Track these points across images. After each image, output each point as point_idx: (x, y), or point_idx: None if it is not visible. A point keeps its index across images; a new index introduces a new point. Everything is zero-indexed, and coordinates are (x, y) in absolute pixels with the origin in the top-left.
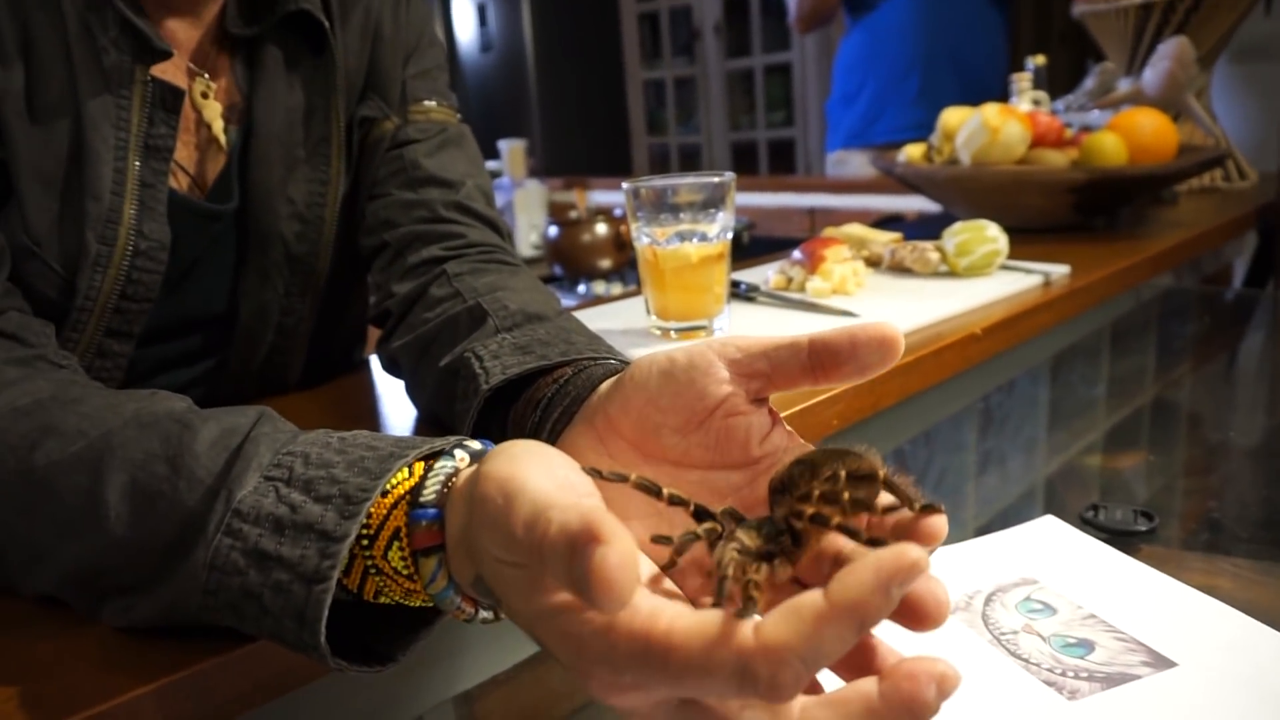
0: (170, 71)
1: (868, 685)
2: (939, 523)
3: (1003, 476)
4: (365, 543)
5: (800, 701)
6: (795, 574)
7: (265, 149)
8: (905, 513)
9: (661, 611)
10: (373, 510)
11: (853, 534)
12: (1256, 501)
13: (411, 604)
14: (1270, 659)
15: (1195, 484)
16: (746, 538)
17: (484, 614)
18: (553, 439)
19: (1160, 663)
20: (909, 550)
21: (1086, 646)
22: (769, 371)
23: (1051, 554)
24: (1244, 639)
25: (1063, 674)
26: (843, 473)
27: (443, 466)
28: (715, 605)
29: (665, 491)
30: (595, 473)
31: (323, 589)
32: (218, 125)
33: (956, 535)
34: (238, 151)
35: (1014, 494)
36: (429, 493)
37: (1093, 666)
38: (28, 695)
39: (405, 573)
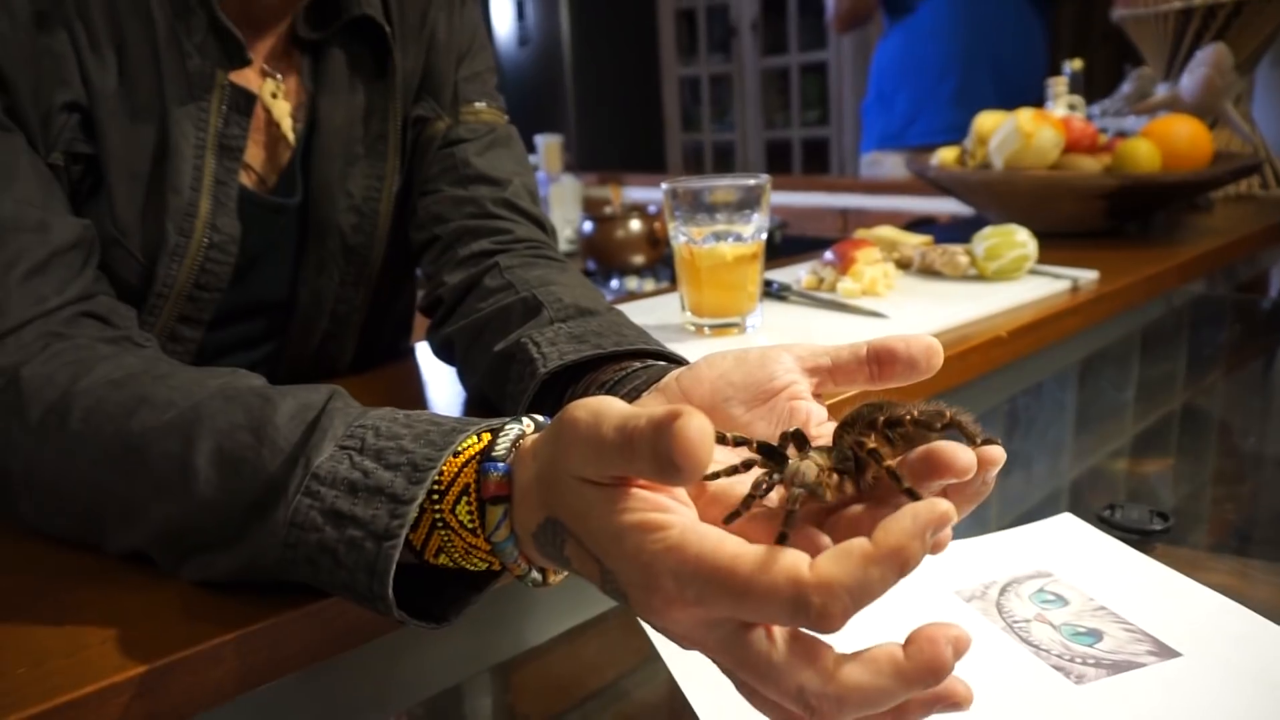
0: (245, 75)
1: (893, 646)
2: (997, 451)
3: (1027, 478)
4: (435, 498)
5: (835, 655)
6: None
7: (327, 145)
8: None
9: (728, 539)
10: (444, 469)
11: (895, 478)
12: (1272, 508)
13: (470, 564)
14: (1271, 652)
15: (1218, 490)
16: (818, 457)
17: (534, 574)
18: None
19: (1165, 652)
20: (940, 503)
21: (1095, 635)
22: (830, 368)
23: (1067, 549)
24: (1249, 633)
25: (1071, 660)
26: (914, 410)
27: (512, 428)
28: (787, 521)
29: (730, 435)
30: None
31: (392, 545)
32: (286, 123)
33: (977, 531)
34: (301, 148)
35: (1038, 496)
36: (500, 449)
37: (1100, 654)
38: (120, 640)
39: (470, 526)
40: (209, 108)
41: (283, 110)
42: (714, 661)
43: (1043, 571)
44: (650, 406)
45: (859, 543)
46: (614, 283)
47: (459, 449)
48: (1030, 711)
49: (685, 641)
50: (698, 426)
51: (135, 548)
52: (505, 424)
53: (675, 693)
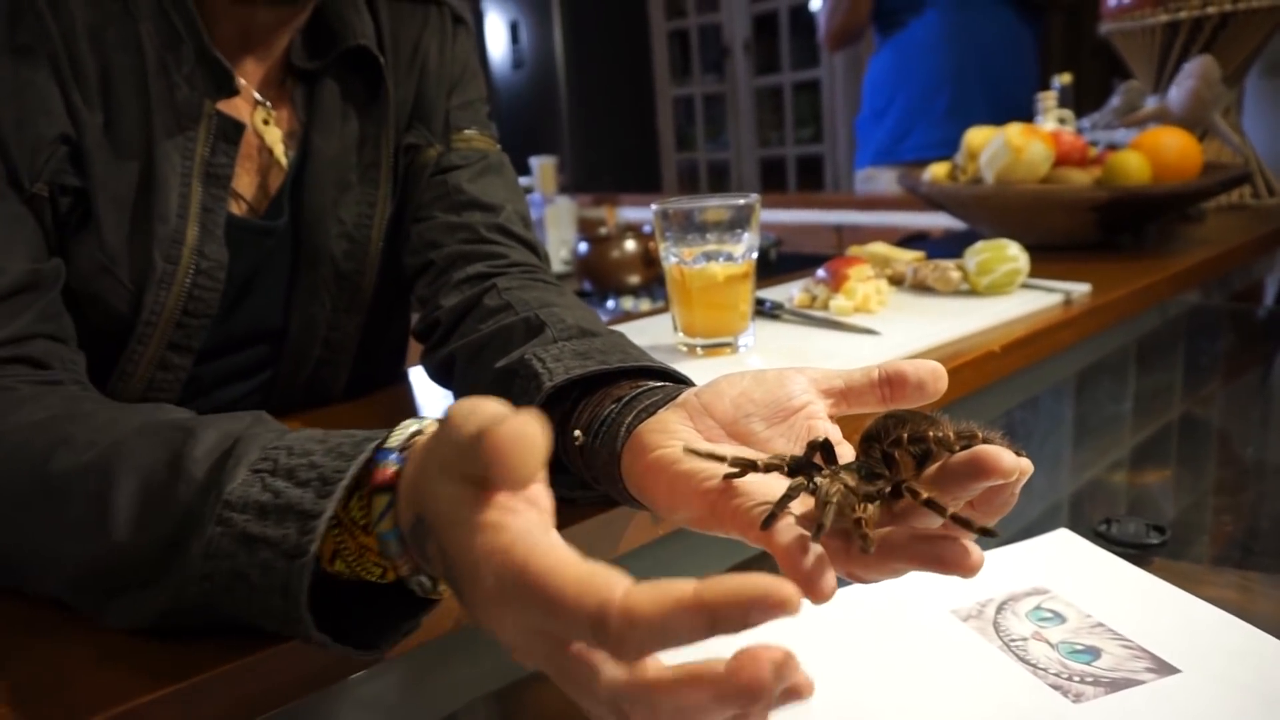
0: (234, 104)
1: (717, 663)
2: (1025, 463)
3: (1025, 493)
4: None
5: (657, 665)
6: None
7: (320, 173)
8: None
9: (558, 549)
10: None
11: (936, 509)
12: (1273, 518)
13: (365, 570)
14: (1272, 666)
15: (1216, 502)
16: (848, 478)
17: (422, 579)
18: (635, 424)
19: (1164, 669)
20: (784, 587)
21: (1093, 653)
22: (844, 390)
23: (1063, 565)
24: (1247, 647)
25: (1069, 679)
26: (948, 429)
27: (410, 424)
28: (817, 533)
29: (761, 461)
30: (695, 452)
31: (303, 562)
32: (279, 149)
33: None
34: (293, 174)
35: (1037, 510)
36: (392, 440)
37: (1098, 672)
38: (44, 698)
39: (361, 522)
40: (196, 137)
41: (274, 137)
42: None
43: (1039, 588)
44: (670, 419)
45: (686, 585)
46: (610, 303)
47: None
48: None
49: (517, 653)
50: (508, 432)
51: (57, 594)
52: (409, 421)
53: None
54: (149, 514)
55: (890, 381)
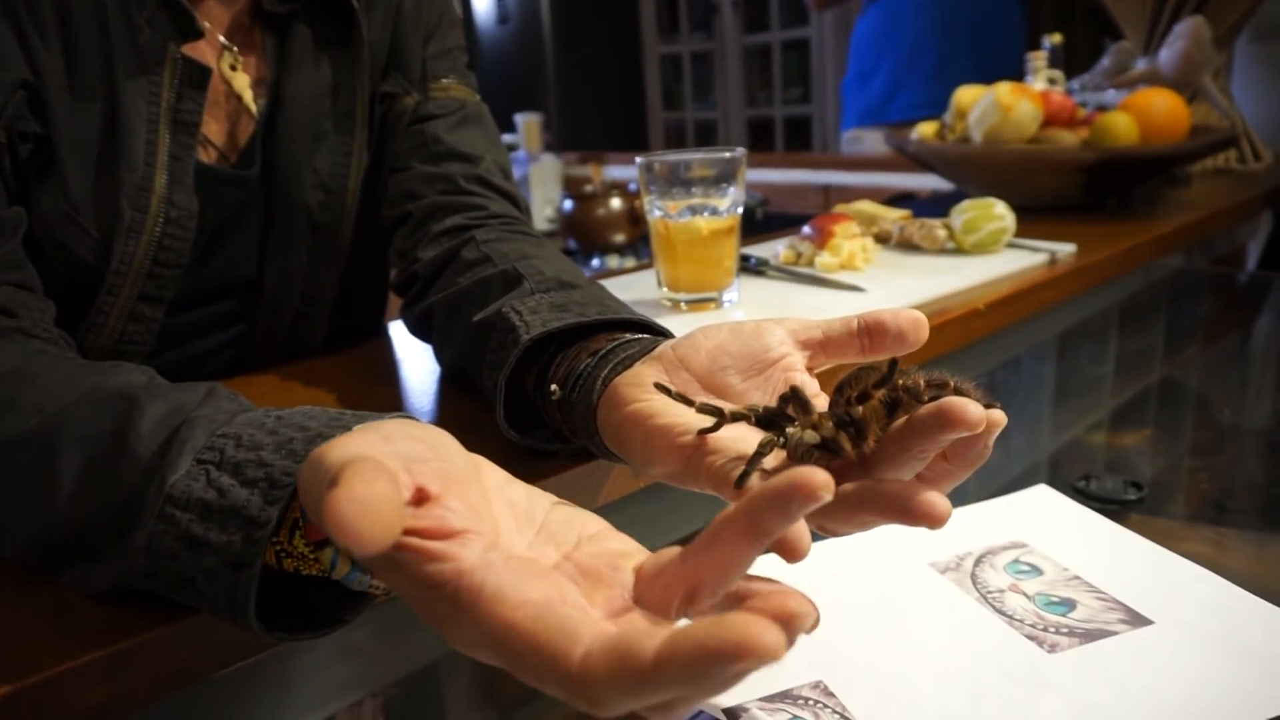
0: (200, 49)
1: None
2: (998, 415)
3: (1005, 451)
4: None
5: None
6: (862, 459)
7: (293, 121)
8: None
9: (503, 600)
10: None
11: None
12: (1247, 477)
13: (312, 570)
14: (1242, 618)
15: (1193, 461)
16: (818, 426)
17: (362, 576)
18: (611, 377)
19: (1137, 620)
20: (759, 637)
21: (1068, 605)
22: (822, 341)
23: (1042, 520)
24: (1220, 600)
25: (1044, 629)
26: (918, 379)
27: (354, 426)
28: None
29: (727, 410)
30: (664, 390)
31: (249, 575)
32: (248, 95)
33: (954, 504)
34: (265, 122)
35: (1016, 468)
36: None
37: (1073, 623)
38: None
39: (312, 556)
40: (161, 82)
41: (242, 83)
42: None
43: (1017, 542)
44: (646, 373)
45: (645, 647)
46: (595, 261)
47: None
48: (1003, 681)
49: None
50: (346, 498)
51: (13, 557)
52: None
53: None
54: (93, 489)
55: (870, 331)
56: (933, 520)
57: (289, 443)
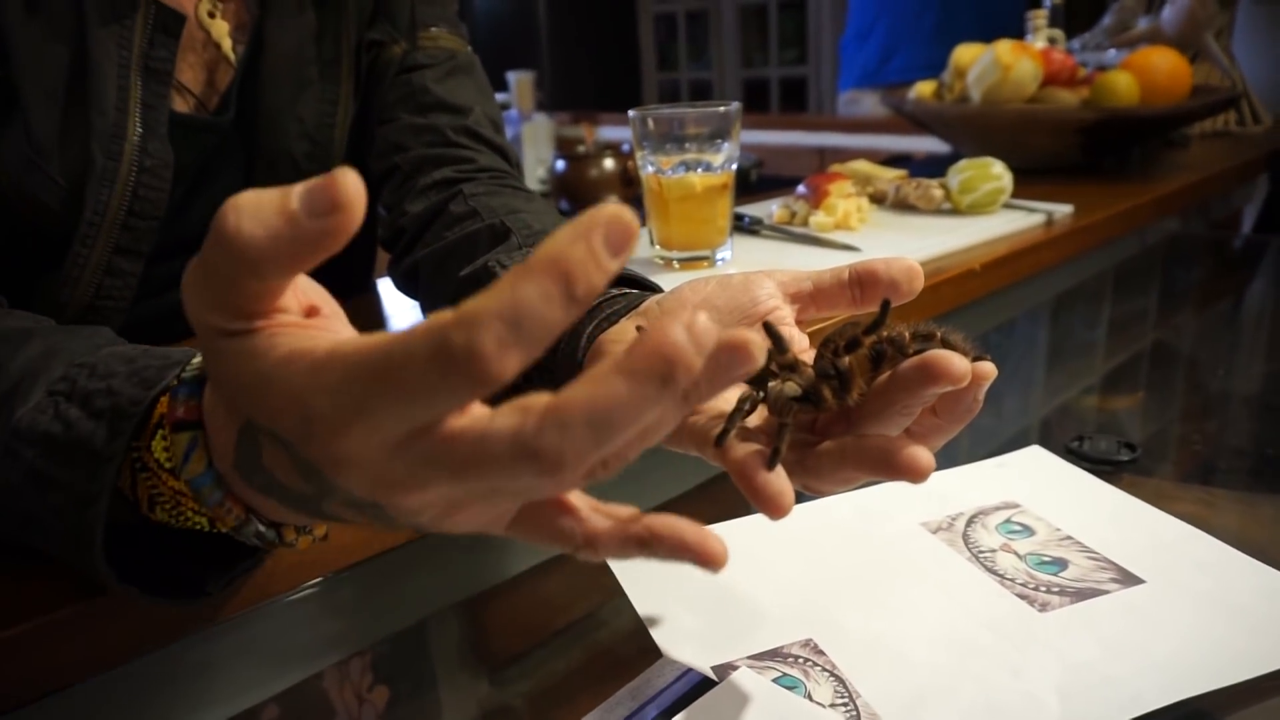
0: None
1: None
2: (988, 367)
3: (998, 413)
4: (136, 440)
5: (545, 395)
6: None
7: (274, 68)
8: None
9: (384, 337)
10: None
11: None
12: (1242, 438)
13: (189, 520)
14: (1234, 578)
15: (1187, 424)
16: (799, 378)
17: (259, 527)
18: (596, 334)
19: (1128, 580)
20: (611, 207)
21: (1060, 564)
22: (812, 293)
23: (1034, 480)
24: (1211, 560)
25: (1035, 589)
26: (904, 330)
27: None
28: (773, 460)
29: None
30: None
31: (94, 512)
32: (226, 44)
33: (947, 464)
34: (245, 69)
35: (1010, 430)
36: (191, 369)
37: (1064, 582)
38: None
39: (169, 465)
40: (133, 26)
41: (221, 30)
42: (434, 512)
43: (1010, 503)
44: (631, 329)
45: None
46: None
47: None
48: (994, 640)
49: (396, 497)
50: (342, 176)
51: None
52: None
53: (640, 630)
54: None
55: (861, 281)
56: (915, 474)
57: (143, 370)
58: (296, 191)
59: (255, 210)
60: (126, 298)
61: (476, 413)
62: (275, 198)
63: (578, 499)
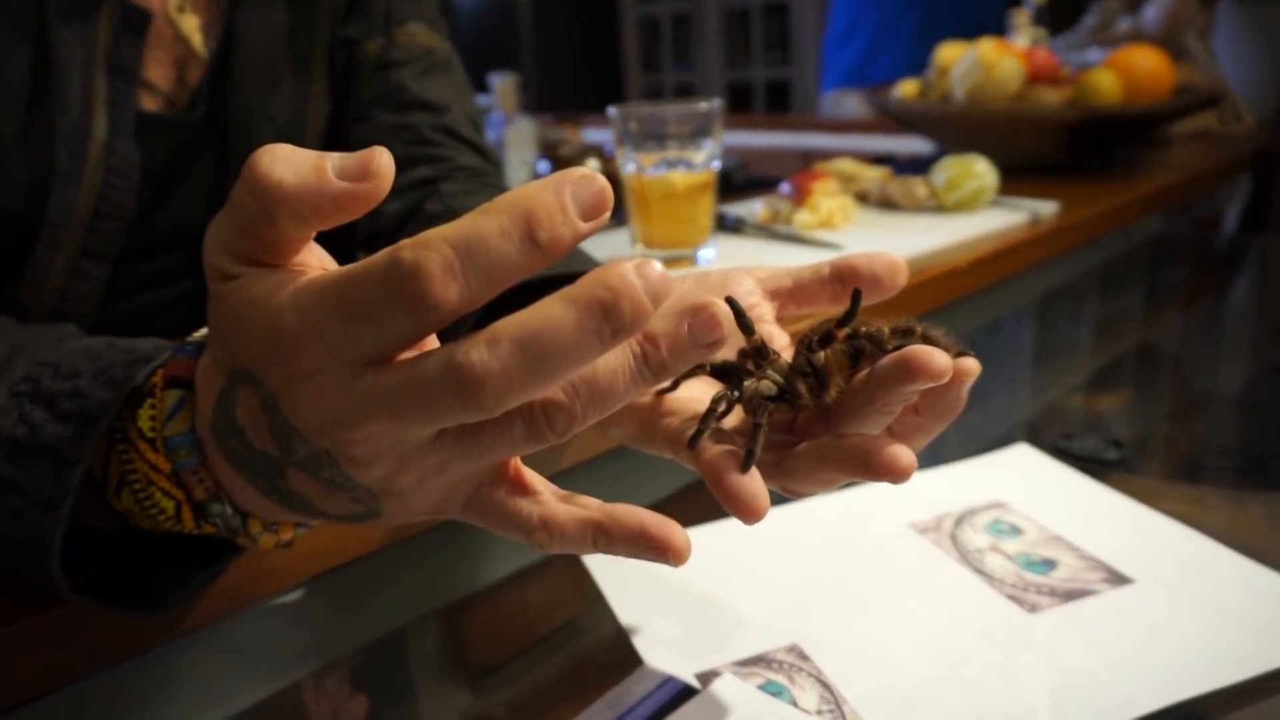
0: None
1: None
2: (971, 363)
3: (984, 413)
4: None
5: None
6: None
7: (245, 64)
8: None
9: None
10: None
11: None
12: (1229, 437)
13: (155, 505)
14: (1227, 578)
15: (1175, 424)
16: (775, 375)
17: (224, 508)
18: None
19: (1118, 580)
20: (583, 169)
21: (1049, 565)
22: (792, 289)
23: (1022, 479)
24: (1202, 559)
25: (1025, 589)
26: (883, 326)
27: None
28: (747, 462)
29: None
30: None
31: (55, 515)
32: (196, 39)
33: (933, 464)
34: (214, 64)
35: (997, 430)
36: (196, 336)
37: (1054, 583)
38: None
39: (149, 435)
40: (97, 24)
41: (191, 25)
42: (386, 466)
43: (998, 502)
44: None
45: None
46: None
47: (147, 379)
48: (983, 643)
49: (344, 435)
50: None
51: None
52: None
53: (622, 637)
54: None
55: (842, 277)
56: (895, 474)
57: (109, 368)
58: (332, 155)
59: (290, 157)
60: (93, 302)
61: (423, 348)
62: (311, 154)
63: (538, 481)
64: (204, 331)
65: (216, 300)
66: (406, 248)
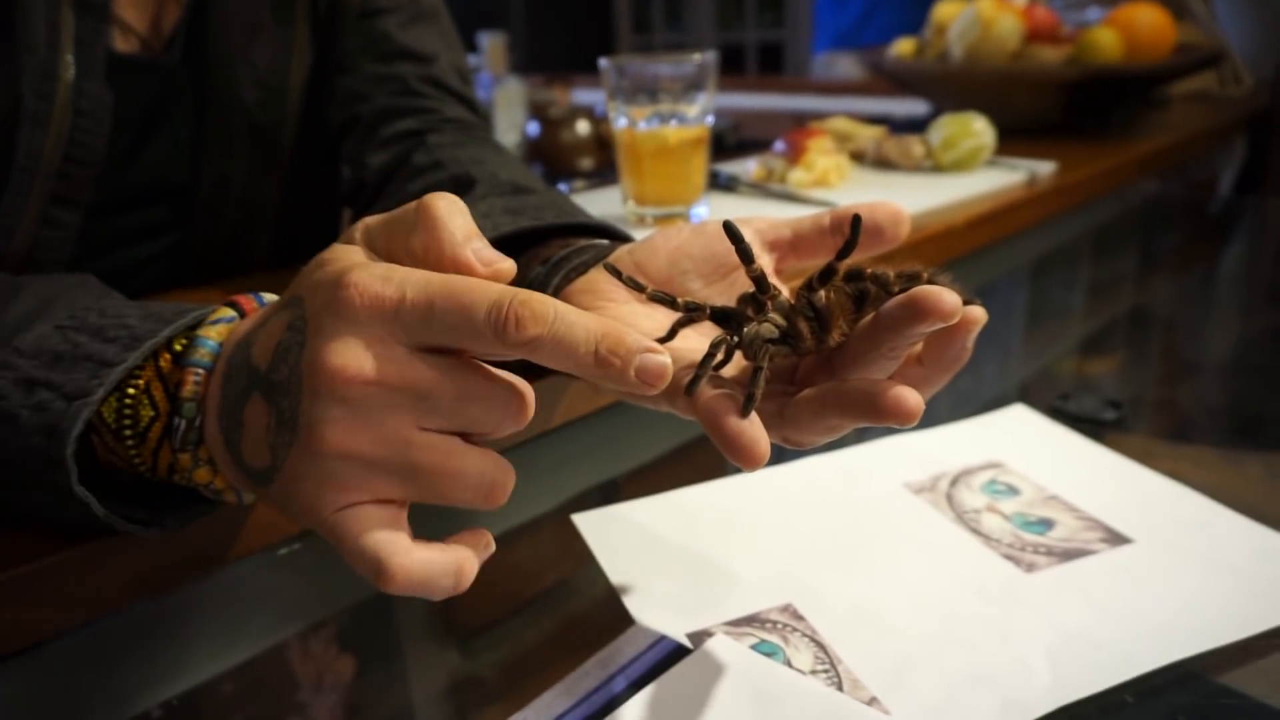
0: None
1: None
2: (978, 311)
3: (980, 374)
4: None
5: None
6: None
7: (226, 9)
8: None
9: None
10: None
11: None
12: (1226, 397)
13: (136, 410)
14: (1225, 536)
15: (1169, 386)
16: (776, 318)
17: (193, 417)
18: (564, 285)
19: (1116, 539)
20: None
21: (1046, 524)
22: (791, 240)
23: (1019, 439)
24: (1199, 518)
25: (1021, 549)
26: (888, 269)
27: (227, 311)
28: (747, 406)
29: (680, 300)
30: (614, 271)
31: (83, 403)
32: None
33: (930, 424)
34: (193, 8)
35: (991, 393)
36: (210, 333)
37: (1051, 542)
38: None
39: (176, 349)
40: None
41: None
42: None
43: (994, 462)
44: (600, 280)
45: None
46: (562, 187)
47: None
48: (980, 603)
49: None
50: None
51: None
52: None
53: (613, 598)
54: None
55: (842, 228)
56: (902, 416)
57: (160, 313)
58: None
59: (466, 231)
60: (66, 250)
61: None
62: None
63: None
64: (225, 316)
65: (334, 253)
66: (527, 301)
